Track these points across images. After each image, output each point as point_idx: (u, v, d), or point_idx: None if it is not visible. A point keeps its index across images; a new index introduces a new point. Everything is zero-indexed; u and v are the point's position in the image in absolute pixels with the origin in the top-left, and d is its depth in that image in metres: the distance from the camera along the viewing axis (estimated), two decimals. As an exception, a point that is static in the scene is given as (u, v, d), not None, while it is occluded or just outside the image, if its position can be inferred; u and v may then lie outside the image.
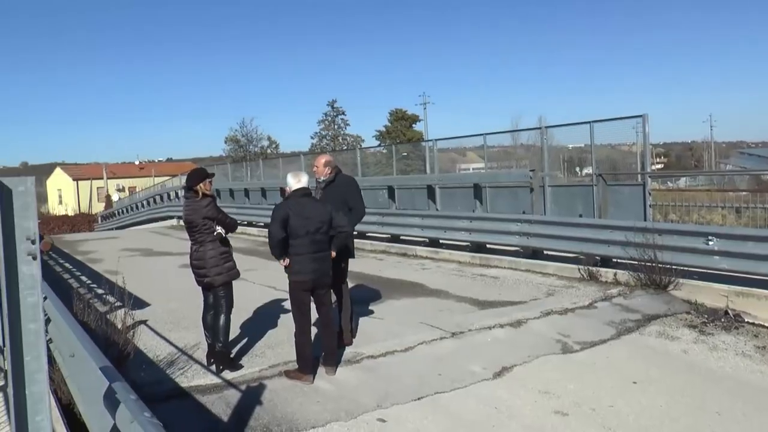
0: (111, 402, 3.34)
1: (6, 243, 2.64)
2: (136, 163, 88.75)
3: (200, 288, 6.75)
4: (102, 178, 74.52)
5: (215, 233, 6.47)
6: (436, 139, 18.12)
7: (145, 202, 40.93)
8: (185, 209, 6.58)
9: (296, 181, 6.33)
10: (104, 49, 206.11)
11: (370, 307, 9.10)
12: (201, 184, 6.50)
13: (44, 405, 2.71)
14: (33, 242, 2.68)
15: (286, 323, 7.89)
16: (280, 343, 7.31)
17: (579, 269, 10.85)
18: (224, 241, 6.58)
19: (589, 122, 13.07)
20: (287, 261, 6.17)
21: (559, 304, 8.87)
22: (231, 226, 6.66)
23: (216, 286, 6.52)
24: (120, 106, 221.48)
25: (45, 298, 6.14)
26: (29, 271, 2.68)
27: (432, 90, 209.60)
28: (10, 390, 2.66)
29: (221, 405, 5.65)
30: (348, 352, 6.94)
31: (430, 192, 16.91)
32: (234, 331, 6.80)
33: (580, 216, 12.79)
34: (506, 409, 5.49)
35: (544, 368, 6.51)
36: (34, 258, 2.69)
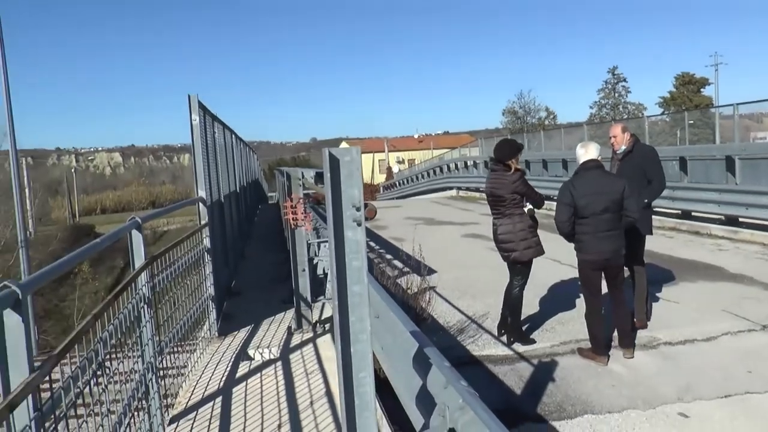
0: (421, 365, 3.42)
1: (334, 210, 2.79)
2: (415, 136, 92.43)
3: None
4: (383, 151, 79.20)
5: (526, 209, 6.36)
6: (737, 104, 16.19)
7: (425, 174, 42.59)
8: (492, 182, 6.45)
9: (584, 152, 5.95)
10: (381, 31, 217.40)
11: (663, 289, 8.48)
12: (513, 159, 6.36)
13: (367, 362, 2.84)
14: (358, 209, 2.80)
15: (576, 299, 7.66)
16: (570, 320, 7.11)
17: None
18: (532, 216, 6.43)
19: None
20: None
21: None
22: (540, 201, 6.51)
23: (524, 261, 6.39)
24: (400, 81, 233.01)
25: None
26: (354, 236, 2.81)
27: (722, 50, 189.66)
28: (338, 346, 2.83)
29: (513, 377, 5.63)
30: (642, 335, 6.53)
31: (729, 163, 15.27)
32: (524, 305, 6.72)
33: None
34: (842, 424, 4.70)
35: None
36: (359, 224, 2.81)
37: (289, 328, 6.63)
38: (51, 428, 2.57)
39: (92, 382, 3.05)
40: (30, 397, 2.37)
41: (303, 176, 6.63)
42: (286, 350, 5.99)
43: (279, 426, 4.31)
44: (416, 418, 3.67)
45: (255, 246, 14.07)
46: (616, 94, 68.38)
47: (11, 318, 2.46)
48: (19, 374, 2.42)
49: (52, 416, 2.60)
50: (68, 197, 66.40)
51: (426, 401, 3.42)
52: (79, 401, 2.86)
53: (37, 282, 2.79)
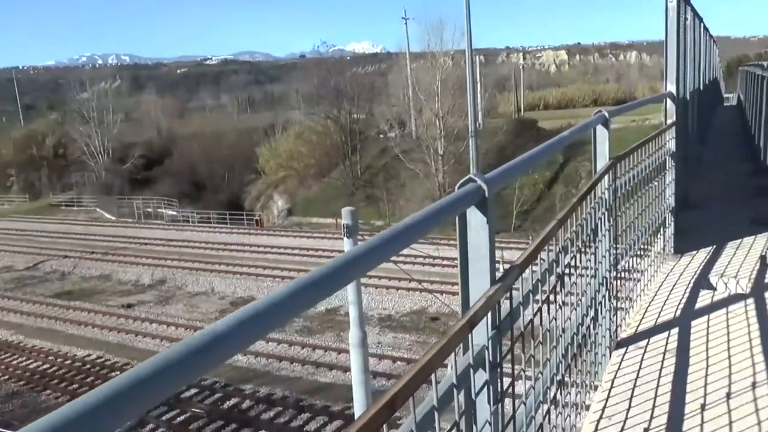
0: None
1: None
2: None
3: None
4: None
5: None
6: None
7: None
8: None
9: None
10: None
11: None
12: None
13: None
14: None
15: None
16: None
17: None
18: None
19: None
20: None
21: None
22: None
23: None
24: None
25: None
26: None
27: None
28: None
29: None
30: None
31: None
32: None
33: None
34: None
35: None
36: None
37: (763, 257, 5.47)
38: (506, 350, 2.18)
39: (549, 299, 2.63)
40: (489, 313, 1.99)
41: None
42: (759, 285, 4.90)
43: (753, 385, 3.45)
44: None
45: (712, 152, 12.52)
46: None
47: (475, 218, 2.09)
48: (479, 286, 2.07)
49: (509, 335, 2.22)
50: (515, 93, 69.63)
51: None
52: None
53: (504, 177, 2.37)
